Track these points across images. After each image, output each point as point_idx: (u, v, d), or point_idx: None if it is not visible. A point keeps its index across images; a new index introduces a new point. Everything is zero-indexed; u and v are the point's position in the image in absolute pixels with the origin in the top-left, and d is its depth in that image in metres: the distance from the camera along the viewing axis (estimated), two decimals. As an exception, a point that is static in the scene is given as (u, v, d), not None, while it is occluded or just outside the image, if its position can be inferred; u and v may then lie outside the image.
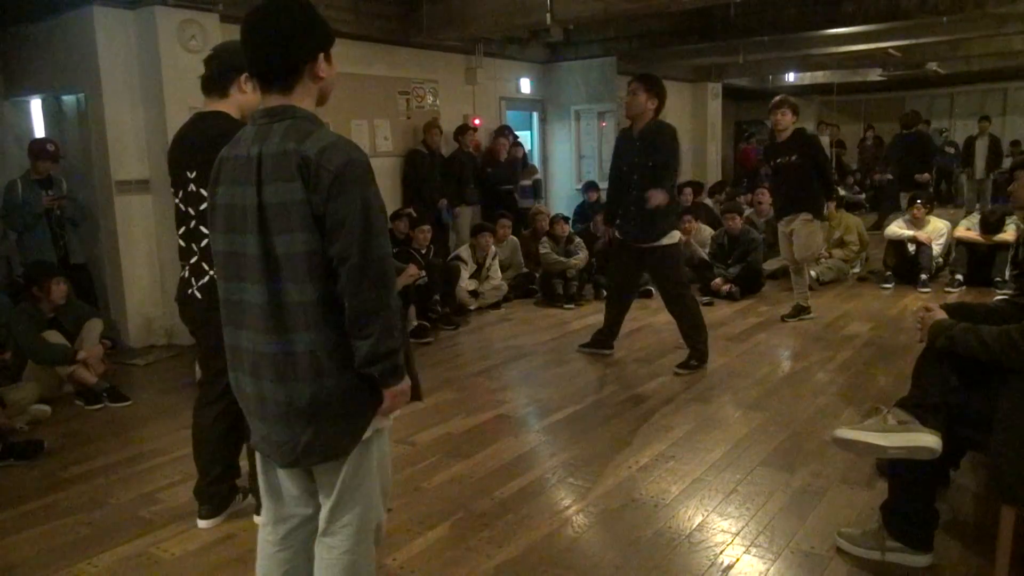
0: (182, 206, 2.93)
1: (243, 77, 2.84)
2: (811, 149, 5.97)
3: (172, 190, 2.97)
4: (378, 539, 2.04)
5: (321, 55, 1.83)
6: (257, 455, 2.07)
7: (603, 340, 5.53)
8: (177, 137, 3.00)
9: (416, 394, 2.02)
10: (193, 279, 2.92)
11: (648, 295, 7.48)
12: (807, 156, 5.89)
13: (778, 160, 6.04)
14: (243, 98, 2.88)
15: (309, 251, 1.73)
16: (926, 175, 9.72)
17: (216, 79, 2.88)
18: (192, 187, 2.86)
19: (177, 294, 3.05)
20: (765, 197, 8.69)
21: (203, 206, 2.79)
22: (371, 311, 1.74)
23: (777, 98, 6.03)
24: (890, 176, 11.35)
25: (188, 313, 3.00)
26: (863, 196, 13.44)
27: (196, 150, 2.79)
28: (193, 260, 2.93)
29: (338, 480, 1.92)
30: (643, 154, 4.84)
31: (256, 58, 1.82)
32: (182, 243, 2.95)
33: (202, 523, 3.12)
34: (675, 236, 5.01)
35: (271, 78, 1.81)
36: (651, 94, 4.80)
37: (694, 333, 5.10)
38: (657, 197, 4.64)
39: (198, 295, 2.90)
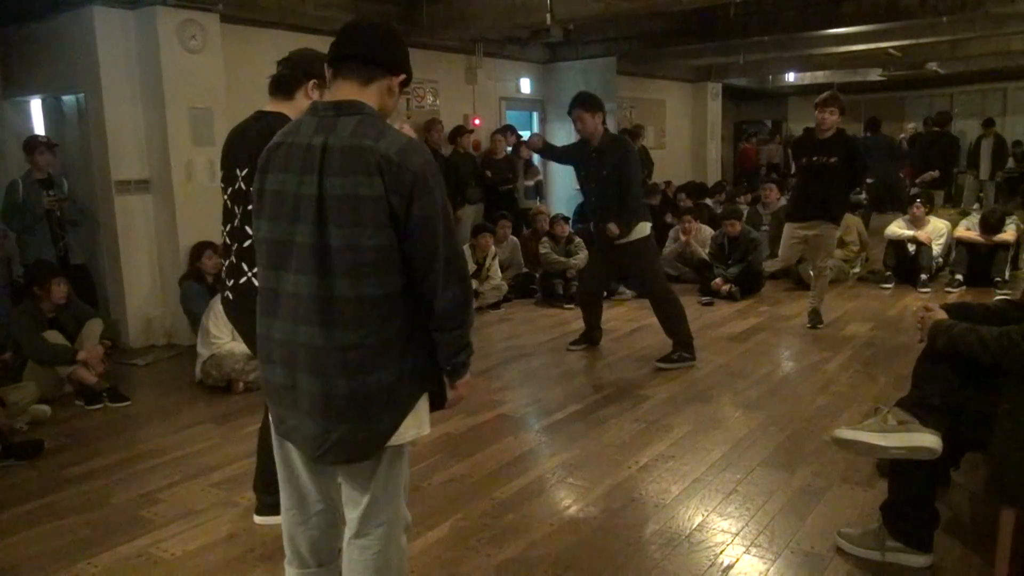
0: (228, 203, 2.91)
1: (311, 83, 2.87)
2: (854, 153, 5.65)
3: (222, 186, 2.96)
4: (407, 534, 2.08)
5: (404, 76, 1.93)
6: (275, 447, 2.09)
7: (590, 338, 5.72)
8: (234, 132, 2.99)
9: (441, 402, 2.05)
10: (228, 280, 2.90)
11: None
12: (847, 160, 5.58)
13: (813, 159, 5.68)
14: (307, 103, 2.92)
15: (378, 246, 1.75)
16: (929, 174, 9.70)
17: (286, 80, 2.91)
18: (241, 185, 2.84)
19: (219, 292, 3.06)
20: (772, 193, 8.69)
21: (249, 206, 2.82)
22: (460, 305, 1.83)
23: (826, 94, 5.68)
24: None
25: (228, 312, 3.00)
26: (863, 196, 13.43)
27: (250, 147, 2.81)
28: (231, 260, 2.91)
29: (371, 484, 1.93)
30: (599, 166, 5.08)
31: (359, 41, 1.87)
32: (227, 240, 2.93)
33: (258, 519, 3.11)
34: (646, 228, 5.15)
35: (363, 61, 1.85)
36: (594, 114, 5.02)
37: (680, 328, 5.20)
38: (613, 230, 5.01)
39: (230, 296, 2.89)
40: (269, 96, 2.96)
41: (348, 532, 2.00)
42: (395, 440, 1.89)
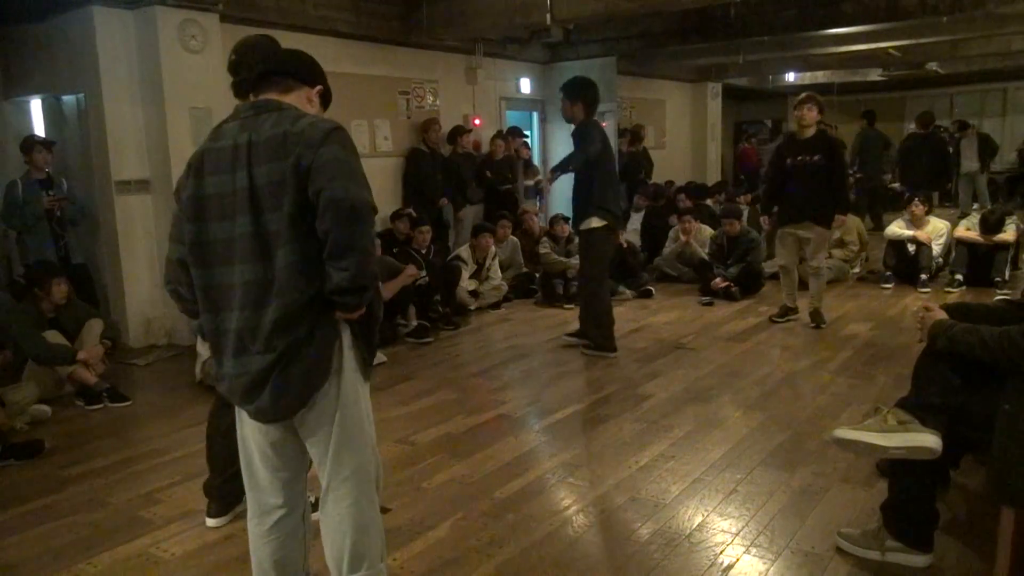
0: None
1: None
2: (835, 152, 5.77)
3: None
4: (378, 485, 2.15)
5: (320, 87, 2.11)
6: (240, 450, 2.15)
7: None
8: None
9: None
10: None
11: (648, 295, 7.50)
12: (830, 158, 5.71)
13: (799, 158, 5.80)
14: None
15: (290, 212, 1.84)
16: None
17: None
18: None
19: None
20: None
21: None
22: (347, 245, 1.83)
23: (804, 94, 5.86)
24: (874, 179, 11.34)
25: None
26: (853, 196, 13.44)
27: None
28: None
29: (331, 438, 2.02)
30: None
31: (276, 60, 2.07)
32: None
33: (210, 521, 3.13)
34: (592, 222, 5.33)
35: (281, 75, 2.04)
36: (573, 103, 5.32)
37: (593, 324, 5.46)
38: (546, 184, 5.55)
39: None
40: (238, 100, 2.95)
41: (323, 491, 2.09)
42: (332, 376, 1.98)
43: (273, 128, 1.89)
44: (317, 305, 1.91)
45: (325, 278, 1.87)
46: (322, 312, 1.93)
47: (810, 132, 5.80)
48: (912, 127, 13.23)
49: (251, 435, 2.12)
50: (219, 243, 1.93)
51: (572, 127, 5.42)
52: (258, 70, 2.05)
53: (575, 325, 5.96)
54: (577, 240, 5.90)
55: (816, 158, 5.72)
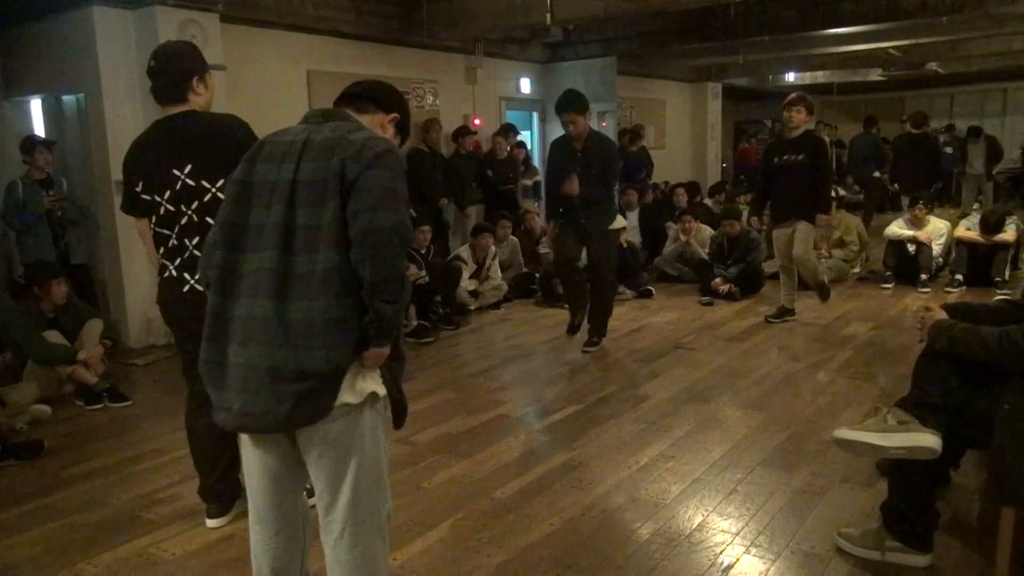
0: (170, 206, 2.89)
1: (195, 79, 2.90)
2: (819, 152, 5.86)
3: (147, 197, 2.93)
4: (389, 521, 2.12)
5: (396, 115, 2.19)
6: (243, 460, 2.12)
7: (580, 321, 5.85)
8: (149, 142, 2.96)
9: (400, 420, 2.13)
10: (187, 275, 2.91)
11: (648, 295, 7.50)
12: (814, 158, 5.80)
13: (784, 157, 5.91)
14: (200, 99, 2.97)
15: (335, 218, 1.85)
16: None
17: (173, 89, 2.91)
18: (190, 181, 2.85)
19: (163, 295, 3.00)
20: None
21: (206, 198, 2.85)
22: (394, 276, 1.84)
23: (793, 94, 5.93)
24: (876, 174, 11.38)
25: (184, 311, 2.94)
26: (862, 195, 13.44)
27: (194, 145, 2.85)
28: (185, 255, 2.91)
29: (348, 482, 1.97)
30: (587, 165, 5.36)
31: (360, 85, 2.19)
32: (175, 241, 2.93)
33: (211, 522, 3.13)
34: (619, 222, 5.70)
35: (361, 99, 2.15)
36: (586, 115, 5.38)
37: (604, 319, 5.73)
38: (572, 187, 5.27)
39: (199, 287, 2.87)
40: (161, 105, 2.97)
41: (332, 532, 2.01)
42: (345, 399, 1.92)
43: (332, 132, 1.94)
44: (344, 321, 1.86)
45: (358, 300, 1.86)
46: (345, 330, 1.87)
47: (797, 133, 5.91)
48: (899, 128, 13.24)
49: (251, 449, 2.07)
50: (253, 228, 1.94)
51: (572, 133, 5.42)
52: (340, 95, 2.15)
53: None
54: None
55: (800, 157, 5.84)
